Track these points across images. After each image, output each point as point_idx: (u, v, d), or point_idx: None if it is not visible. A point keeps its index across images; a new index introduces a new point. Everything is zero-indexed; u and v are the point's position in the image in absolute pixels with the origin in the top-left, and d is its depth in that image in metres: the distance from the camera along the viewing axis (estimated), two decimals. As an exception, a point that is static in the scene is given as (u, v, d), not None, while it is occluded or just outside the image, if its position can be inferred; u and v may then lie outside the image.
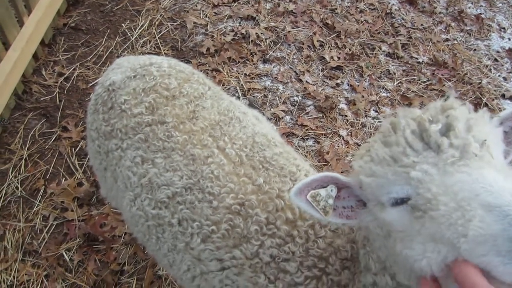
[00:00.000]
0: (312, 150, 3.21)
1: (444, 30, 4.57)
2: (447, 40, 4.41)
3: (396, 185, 0.88)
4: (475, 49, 4.35)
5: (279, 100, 3.56)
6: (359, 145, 3.30)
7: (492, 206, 0.73)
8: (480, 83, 3.90)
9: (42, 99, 3.32)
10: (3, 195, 2.71)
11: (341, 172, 2.98)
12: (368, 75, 3.87)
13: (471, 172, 0.80)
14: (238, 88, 3.58)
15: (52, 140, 3.06)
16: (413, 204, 0.85)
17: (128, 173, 1.49)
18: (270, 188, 1.35)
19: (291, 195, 1.00)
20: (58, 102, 3.31)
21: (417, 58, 4.13)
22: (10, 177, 2.80)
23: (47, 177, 2.85)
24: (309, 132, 3.33)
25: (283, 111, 3.46)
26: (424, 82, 3.89)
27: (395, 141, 0.91)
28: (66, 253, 2.48)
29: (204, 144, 1.45)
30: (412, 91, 3.77)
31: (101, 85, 1.74)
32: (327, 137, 3.32)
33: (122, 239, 2.55)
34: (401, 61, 4.09)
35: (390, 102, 3.68)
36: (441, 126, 0.88)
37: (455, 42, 4.39)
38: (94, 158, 1.74)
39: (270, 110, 3.45)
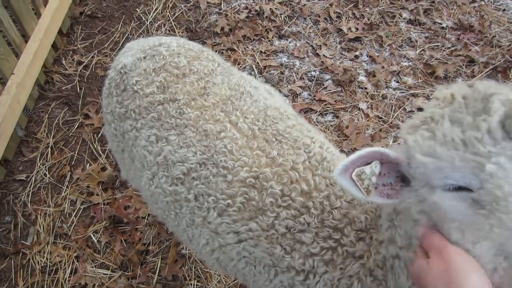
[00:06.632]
0: (331, 125, 3.16)
1: (470, -8, 4.32)
2: (473, 1, 4.17)
3: (459, 172, 0.79)
4: (504, 9, 4.09)
5: (296, 76, 3.49)
6: (380, 118, 3.21)
7: None
8: (510, 45, 3.68)
9: (63, 88, 3.40)
10: (32, 182, 2.82)
11: (362, 146, 2.92)
12: (388, 45, 3.73)
13: None
14: (254, 66, 3.54)
15: (75, 127, 3.14)
16: (476, 198, 0.77)
17: (144, 152, 1.51)
18: (284, 161, 1.34)
19: (336, 173, 0.91)
20: (79, 90, 3.38)
21: (440, 23, 3.93)
22: (38, 164, 2.91)
23: (73, 163, 2.94)
24: (328, 107, 3.27)
25: (301, 87, 3.40)
26: (449, 48, 3.71)
27: (472, 123, 0.78)
28: (94, 235, 2.58)
29: (216, 119, 1.44)
30: (436, 59, 3.61)
31: (114, 69, 1.76)
32: (347, 111, 3.25)
33: (145, 220, 2.61)
34: (424, 28, 3.91)
35: (412, 72, 3.54)
36: None
37: (482, 3, 4.14)
38: (111, 141, 1.77)
39: (287, 86, 3.40)
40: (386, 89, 3.41)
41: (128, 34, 3.80)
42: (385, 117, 3.22)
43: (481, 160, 0.76)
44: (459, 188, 0.80)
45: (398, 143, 2.95)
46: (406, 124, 0.94)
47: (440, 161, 0.80)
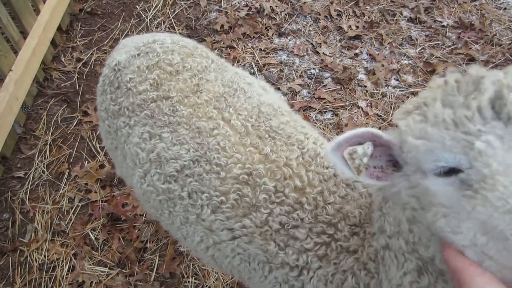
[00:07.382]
0: (330, 123, 3.14)
1: (471, -10, 4.29)
2: (474, 0, 4.14)
3: (449, 153, 0.78)
4: (505, 8, 4.06)
5: (295, 74, 3.48)
6: (379, 116, 3.20)
7: None
8: (511, 44, 3.66)
9: (62, 85, 3.40)
10: (31, 179, 2.83)
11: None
12: (388, 43, 3.71)
13: None
14: (253, 64, 3.53)
15: (74, 124, 3.14)
16: (464, 179, 0.76)
17: (137, 150, 1.50)
18: (277, 157, 1.33)
19: (328, 150, 0.91)
20: (77, 87, 3.38)
21: (441, 22, 3.91)
22: (37, 161, 2.91)
23: (71, 160, 2.94)
24: (327, 105, 3.25)
25: (300, 85, 3.39)
26: (449, 46, 3.69)
27: (463, 103, 0.79)
28: (91, 232, 2.58)
29: (209, 117, 1.44)
30: (436, 57, 3.59)
31: (108, 66, 1.76)
32: (346, 109, 3.23)
33: (143, 218, 2.61)
34: (424, 26, 3.89)
35: (412, 70, 3.52)
36: None
37: (483, 1, 4.11)
38: (105, 138, 1.76)
39: (287, 84, 3.39)
40: (386, 87, 3.39)
41: (128, 31, 3.80)
42: (385, 115, 3.20)
43: (471, 139, 0.75)
44: (450, 172, 0.79)
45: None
46: (399, 110, 0.93)
47: (431, 142, 0.80)
